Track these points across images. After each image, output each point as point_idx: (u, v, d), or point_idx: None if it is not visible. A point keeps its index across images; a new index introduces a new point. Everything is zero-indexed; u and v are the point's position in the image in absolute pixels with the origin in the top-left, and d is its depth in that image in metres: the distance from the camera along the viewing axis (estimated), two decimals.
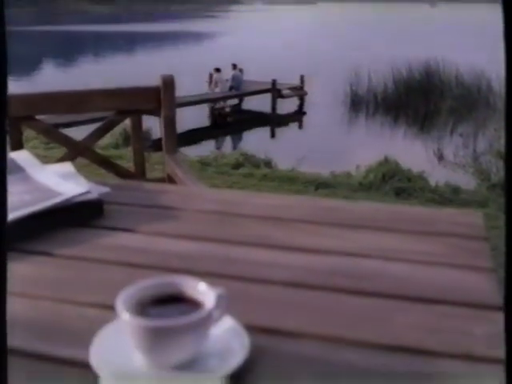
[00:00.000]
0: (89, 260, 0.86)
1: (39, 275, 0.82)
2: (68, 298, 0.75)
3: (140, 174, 1.62)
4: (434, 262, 0.85)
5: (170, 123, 1.64)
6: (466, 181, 5.66)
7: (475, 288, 0.78)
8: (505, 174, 0.29)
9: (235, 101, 13.38)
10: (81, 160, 1.63)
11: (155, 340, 0.58)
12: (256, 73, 13.56)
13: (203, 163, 5.82)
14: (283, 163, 6.17)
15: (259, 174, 5.49)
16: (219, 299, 0.62)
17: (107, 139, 6.03)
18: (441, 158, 7.51)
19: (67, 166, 1.12)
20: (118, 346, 0.62)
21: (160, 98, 1.62)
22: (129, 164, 1.71)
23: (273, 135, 11.08)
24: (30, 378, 0.60)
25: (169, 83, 1.62)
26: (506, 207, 0.29)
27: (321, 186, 5.07)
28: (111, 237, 0.93)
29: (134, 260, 0.85)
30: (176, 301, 0.63)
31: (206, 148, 8.20)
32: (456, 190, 5.02)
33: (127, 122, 1.66)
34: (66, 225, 0.95)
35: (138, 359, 0.60)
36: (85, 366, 0.60)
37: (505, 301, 0.33)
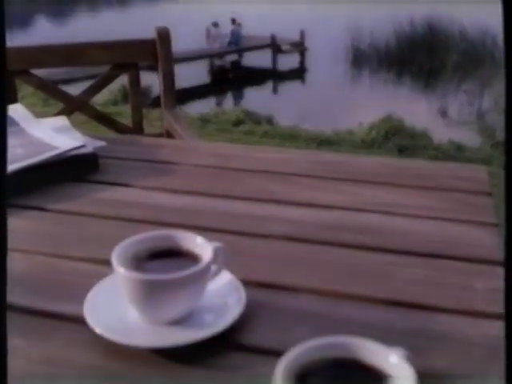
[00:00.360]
0: (84, 215, 0.84)
1: (33, 230, 0.81)
2: (63, 252, 0.74)
3: (138, 129, 1.59)
4: (436, 216, 0.83)
5: (168, 77, 1.61)
6: (470, 138, 5.61)
7: (478, 243, 0.77)
8: (505, 177, 0.27)
9: (235, 56, 13.17)
10: (78, 117, 1.60)
11: (151, 294, 0.56)
12: (255, 27, 13.32)
13: (203, 120, 5.76)
14: (285, 120, 6.11)
15: (260, 131, 5.45)
16: (217, 253, 0.60)
17: (106, 96, 5.95)
18: (445, 115, 7.43)
19: (62, 120, 1.09)
20: (113, 301, 0.60)
21: (156, 51, 1.57)
22: (127, 120, 1.68)
23: (275, 91, 10.96)
24: (24, 333, 0.59)
25: (164, 36, 1.57)
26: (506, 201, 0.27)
27: (323, 143, 5.03)
28: (107, 191, 0.91)
29: (130, 215, 0.83)
30: (173, 255, 0.61)
31: (206, 105, 8.11)
32: (460, 148, 4.98)
33: (126, 79, 1.62)
34: (60, 179, 0.93)
35: (133, 314, 0.59)
36: (79, 321, 0.59)
37: (505, 257, 0.31)
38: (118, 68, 1.60)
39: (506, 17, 0.27)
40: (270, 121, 6.10)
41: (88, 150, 0.97)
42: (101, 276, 0.65)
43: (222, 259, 0.61)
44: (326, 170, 1.00)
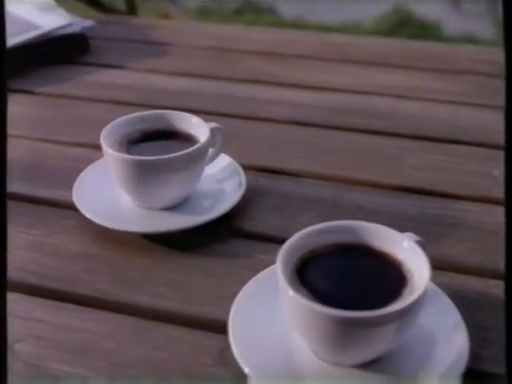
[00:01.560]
0: (72, 98, 0.79)
1: (20, 114, 0.75)
2: (51, 137, 0.70)
3: (131, 12, 1.49)
4: (450, 100, 0.78)
5: None
6: (483, 30, 5.39)
7: (494, 128, 0.71)
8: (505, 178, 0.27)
9: None
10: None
11: (143, 177, 0.52)
12: None
13: (202, 11, 5.51)
14: (288, 10, 5.84)
15: (263, 21, 5.22)
16: (214, 134, 0.55)
17: None
18: (457, 6, 7.10)
19: None
20: (104, 186, 0.57)
21: None
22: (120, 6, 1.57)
23: None
24: (10, 220, 0.55)
25: None
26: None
27: None
28: (98, 73, 0.85)
29: (122, 97, 0.78)
30: (167, 136, 0.56)
31: None
32: (471, 40, 4.79)
33: None
34: (48, 61, 0.87)
35: (124, 199, 0.55)
36: (68, 207, 0.56)
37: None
38: None
39: (506, 17, 0.27)
40: (272, 10, 5.84)
41: (75, 29, 0.90)
42: (91, 161, 0.61)
43: (221, 141, 0.57)
44: (333, 52, 0.93)
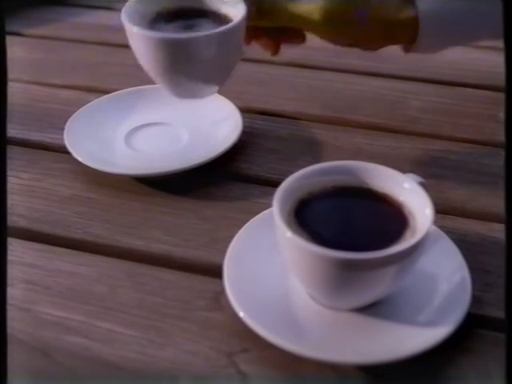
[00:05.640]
0: (62, 39, 0.76)
1: (9, 56, 0.72)
2: (42, 80, 0.67)
3: None
4: None
5: None
6: None
7: (501, 70, 0.69)
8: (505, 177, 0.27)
9: None
10: None
11: (172, 59, 0.44)
12: None
13: None
14: None
15: None
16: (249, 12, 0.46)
17: None
18: None
19: None
20: (96, 129, 0.55)
21: None
22: None
23: None
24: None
25: None
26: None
27: None
28: (86, 15, 0.82)
29: (114, 40, 0.75)
30: (197, 15, 0.48)
31: None
32: None
33: None
34: (36, 2, 0.84)
35: (118, 142, 0.54)
36: (60, 150, 0.54)
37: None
38: None
39: (506, 16, 0.27)
40: None
41: None
42: (82, 103, 0.59)
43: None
44: None
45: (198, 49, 0.44)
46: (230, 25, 0.44)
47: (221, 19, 0.47)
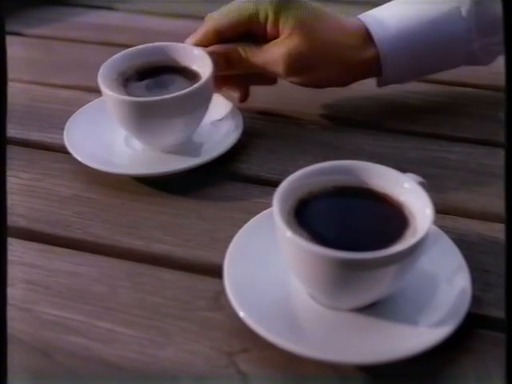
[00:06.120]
0: (62, 39, 0.76)
1: (9, 56, 0.72)
2: (42, 80, 0.67)
3: None
4: None
5: None
6: None
7: (502, 71, 0.69)
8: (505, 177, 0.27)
9: None
10: None
11: (142, 118, 0.49)
12: None
13: None
14: None
15: None
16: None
17: None
18: None
19: None
20: (96, 129, 0.55)
21: None
22: None
23: None
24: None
25: None
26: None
27: None
28: (86, 15, 0.82)
29: (114, 39, 0.75)
30: (167, 71, 0.53)
31: None
32: None
33: None
34: (37, 2, 0.84)
35: (118, 142, 0.54)
36: (60, 150, 0.54)
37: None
38: None
39: (506, 17, 0.27)
40: None
41: None
42: (82, 103, 0.59)
43: None
44: None
45: (168, 109, 0.48)
46: (197, 85, 0.48)
47: (191, 75, 0.52)
